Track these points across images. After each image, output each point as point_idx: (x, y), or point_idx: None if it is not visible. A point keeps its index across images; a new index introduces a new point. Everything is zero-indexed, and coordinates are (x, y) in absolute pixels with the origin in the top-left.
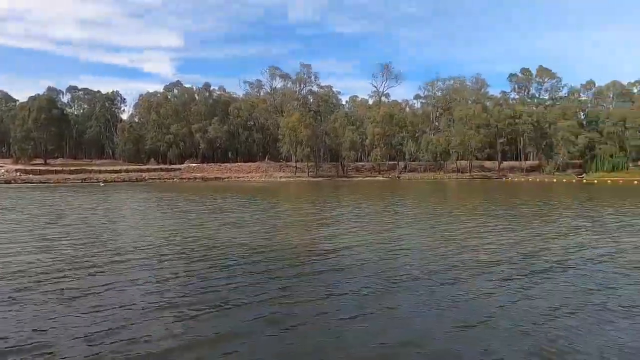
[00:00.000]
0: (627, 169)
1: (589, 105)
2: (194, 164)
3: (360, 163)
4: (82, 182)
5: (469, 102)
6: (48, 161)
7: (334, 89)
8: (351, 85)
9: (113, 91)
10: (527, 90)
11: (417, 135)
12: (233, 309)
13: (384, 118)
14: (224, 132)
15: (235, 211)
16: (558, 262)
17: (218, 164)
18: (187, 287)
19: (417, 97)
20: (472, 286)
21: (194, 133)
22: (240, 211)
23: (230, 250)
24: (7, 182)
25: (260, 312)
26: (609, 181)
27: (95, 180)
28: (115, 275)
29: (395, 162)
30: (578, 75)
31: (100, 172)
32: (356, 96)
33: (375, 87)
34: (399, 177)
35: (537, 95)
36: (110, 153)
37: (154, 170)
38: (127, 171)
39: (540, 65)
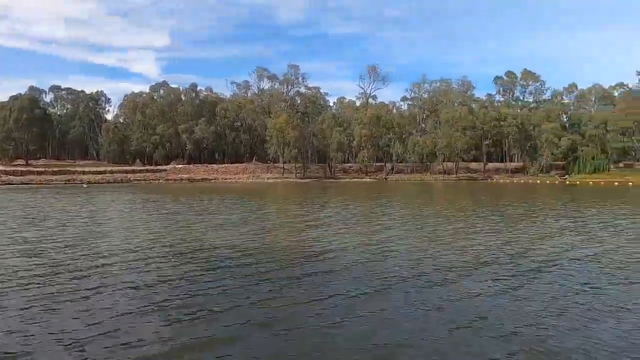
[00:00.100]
0: (609, 171)
1: (572, 108)
2: (180, 165)
3: (347, 164)
4: (65, 183)
5: (455, 104)
6: (30, 162)
7: (321, 91)
8: (339, 87)
9: (97, 91)
10: (512, 93)
11: (404, 136)
12: (223, 312)
13: (371, 120)
14: (210, 132)
15: (222, 213)
16: (545, 263)
17: (205, 165)
18: (175, 290)
19: (404, 99)
20: (461, 287)
21: (181, 134)
22: (228, 213)
23: (219, 253)
24: None
25: (250, 315)
26: (590, 182)
27: (79, 182)
28: (101, 279)
29: (383, 164)
30: (561, 79)
31: (84, 173)
32: (344, 98)
33: (362, 88)
34: (386, 179)
35: (521, 98)
36: (95, 154)
37: (140, 171)
38: (111, 172)
39: (525, 69)
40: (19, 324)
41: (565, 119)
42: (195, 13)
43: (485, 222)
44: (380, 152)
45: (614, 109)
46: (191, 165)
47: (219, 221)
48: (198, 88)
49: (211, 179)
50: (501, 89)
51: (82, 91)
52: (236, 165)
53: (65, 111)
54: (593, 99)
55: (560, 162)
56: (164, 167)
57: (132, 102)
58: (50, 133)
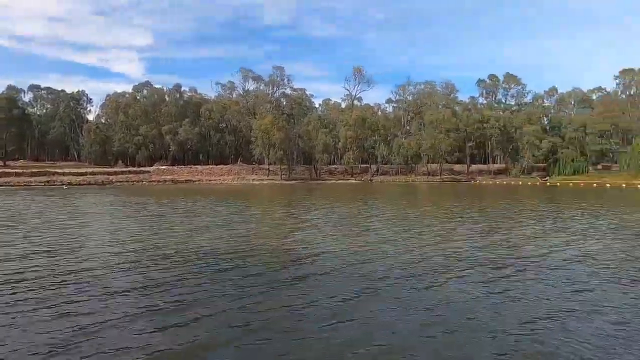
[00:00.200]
0: (587, 173)
1: (552, 111)
2: (163, 167)
3: (333, 166)
4: (44, 184)
5: (439, 106)
6: (7, 163)
7: (307, 92)
8: (324, 89)
9: (78, 90)
10: (494, 96)
11: (388, 138)
12: (210, 317)
13: (357, 121)
14: (195, 134)
15: (207, 215)
16: (532, 263)
17: (189, 166)
18: (161, 295)
19: (389, 101)
20: (452, 288)
21: (164, 135)
22: (213, 215)
23: (204, 256)
24: None
25: (238, 319)
26: (570, 184)
27: (59, 183)
28: (83, 284)
29: (368, 165)
30: (542, 82)
31: (64, 174)
32: (329, 99)
33: (348, 90)
34: (371, 180)
35: (503, 101)
36: (76, 155)
37: (122, 172)
38: (93, 174)
39: (507, 72)
40: None
41: (546, 122)
42: (178, 13)
43: (471, 224)
44: (366, 153)
45: (592, 112)
46: (175, 167)
47: (204, 223)
48: (182, 89)
49: (195, 181)
50: (484, 91)
51: (63, 91)
52: (221, 166)
53: (45, 111)
54: (572, 103)
55: (541, 164)
56: (147, 168)
57: (114, 102)
58: (30, 133)
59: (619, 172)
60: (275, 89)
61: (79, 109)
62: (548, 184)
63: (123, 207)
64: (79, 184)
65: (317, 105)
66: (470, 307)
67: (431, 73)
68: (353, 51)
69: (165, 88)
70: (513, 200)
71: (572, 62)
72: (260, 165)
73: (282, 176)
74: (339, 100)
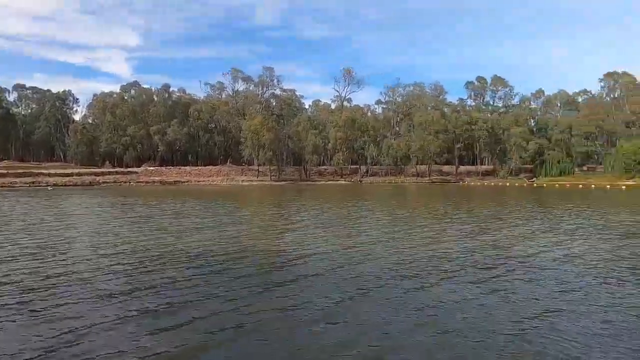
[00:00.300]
0: (573, 174)
1: (539, 113)
2: (152, 167)
3: (323, 167)
4: (29, 186)
5: (428, 108)
6: None
7: (297, 93)
8: (314, 90)
9: (64, 90)
10: (482, 98)
11: (378, 139)
12: (200, 319)
13: (346, 122)
14: (183, 134)
15: (197, 216)
16: (522, 264)
17: (177, 167)
18: (151, 297)
19: (378, 102)
20: (442, 290)
21: (152, 135)
22: (203, 216)
23: (194, 258)
24: None
25: (229, 322)
26: (557, 185)
27: (45, 184)
28: (71, 287)
29: (357, 166)
30: (529, 85)
31: (50, 175)
32: (319, 100)
33: (337, 91)
34: (361, 181)
35: (491, 103)
36: (61, 155)
37: (109, 173)
38: (79, 174)
39: (495, 75)
40: None
41: (532, 124)
42: (168, 13)
43: (460, 225)
44: (355, 154)
45: (578, 115)
46: (163, 168)
47: (193, 225)
48: (171, 89)
49: (184, 182)
50: (472, 93)
51: (49, 90)
52: (210, 167)
53: (30, 111)
54: (559, 105)
55: (528, 165)
56: (135, 169)
57: (101, 102)
58: (14, 133)
59: (604, 173)
60: (265, 89)
61: (65, 109)
62: (535, 185)
63: (111, 208)
64: (65, 185)
65: (306, 106)
66: (460, 307)
67: (421, 74)
68: (344, 52)
69: (153, 88)
70: (501, 201)
71: (559, 65)
72: (250, 166)
73: (272, 177)
74: (329, 102)
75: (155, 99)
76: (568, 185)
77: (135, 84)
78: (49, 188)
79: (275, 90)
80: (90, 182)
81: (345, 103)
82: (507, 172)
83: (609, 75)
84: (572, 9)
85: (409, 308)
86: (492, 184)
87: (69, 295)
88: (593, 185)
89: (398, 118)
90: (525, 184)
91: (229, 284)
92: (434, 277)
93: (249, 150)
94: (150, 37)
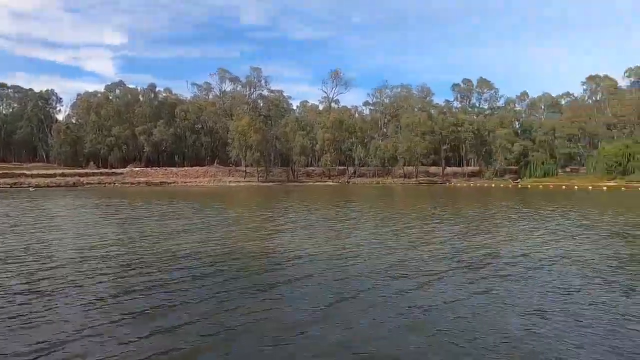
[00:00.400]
0: (557, 175)
1: (523, 115)
2: (137, 168)
3: (310, 168)
4: (10, 187)
5: (415, 109)
6: None
7: (284, 94)
8: (302, 91)
9: (47, 89)
10: (468, 100)
11: (366, 141)
12: (189, 323)
13: (334, 124)
14: (170, 135)
15: (184, 218)
16: (512, 264)
17: (164, 168)
18: (138, 301)
19: (366, 103)
20: (434, 291)
21: (138, 135)
22: (190, 218)
23: (182, 261)
24: None
25: (218, 326)
26: (540, 186)
27: (26, 185)
28: (55, 291)
29: (345, 167)
30: (514, 87)
31: (32, 176)
32: (307, 101)
33: (325, 93)
34: (348, 182)
35: (477, 105)
36: (44, 156)
37: (94, 174)
38: (63, 175)
39: (481, 77)
40: None
41: (517, 126)
42: (154, 12)
43: (448, 226)
44: (343, 155)
45: (561, 117)
46: (149, 169)
47: (180, 227)
48: (157, 89)
49: (170, 183)
50: (458, 95)
51: (31, 89)
52: (197, 168)
53: (11, 110)
54: (542, 107)
55: (513, 167)
56: (120, 170)
57: (85, 102)
58: None
59: (586, 174)
60: (252, 90)
61: (47, 109)
62: (519, 186)
63: (96, 210)
64: (48, 186)
65: (294, 107)
66: (451, 308)
67: (408, 76)
68: (331, 53)
69: (139, 88)
70: (487, 202)
71: (543, 68)
72: (237, 167)
73: (259, 178)
74: (317, 103)
75: (141, 99)
76: (552, 186)
77: (121, 83)
78: (31, 189)
79: (262, 90)
80: (74, 183)
81: (333, 104)
82: (492, 173)
83: (590, 78)
84: (556, 14)
85: (398, 310)
86: (478, 184)
87: (55, 299)
88: (576, 187)
89: (385, 119)
90: (510, 185)
91: (219, 286)
92: (423, 278)
93: (236, 151)
94: (136, 36)
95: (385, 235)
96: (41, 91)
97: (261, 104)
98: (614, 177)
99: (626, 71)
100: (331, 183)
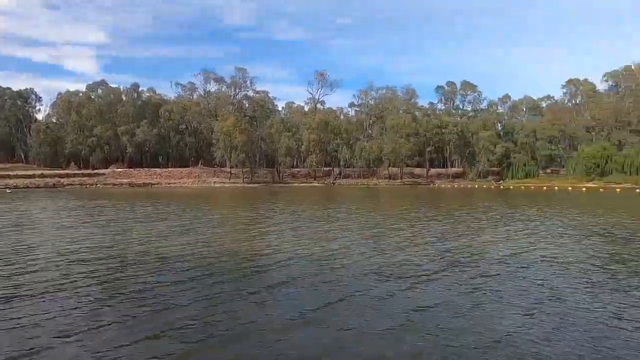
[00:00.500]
0: (538, 176)
1: (506, 117)
2: (120, 169)
3: (296, 169)
4: None
5: (400, 111)
6: None
7: (270, 95)
8: (287, 92)
9: (26, 88)
10: (452, 102)
11: (351, 142)
12: (177, 328)
13: (320, 125)
14: (153, 135)
15: (168, 220)
16: (500, 266)
17: (147, 169)
18: (124, 306)
19: (351, 105)
20: (424, 294)
21: (121, 136)
22: (174, 220)
23: (166, 264)
24: None
25: (207, 329)
26: (522, 187)
27: (3, 186)
28: (39, 296)
29: (331, 168)
30: (496, 90)
31: (9, 177)
32: (292, 102)
33: (311, 94)
34: (333, 183)
35: (461, 107)
36: (22, 156)
37: (75, 175)
38: (42, 176)
39: (464, 80)
40: None
41: (500, 128)
42: (137, 11)
43: (435, 227)
44: (328, 157)
45: (542, 119)
46: (132, 169)
47: (164, 229)
48: (140, 88)
49: (154, 184)
50: (442, 97)
51: (8, 88)
52: (181, 169)
53: None
54: (524, 110)
55: (495, 168)
56: (102, 171)
57: (66, 102)
58: None
59: (566, 176)
60: (237, 90)
61: (27, 108)
62: (502, 187)
63: (77, 212)
64: (27, 187)
65: (280, 108)
66: (439, 310)
67: (393, 78)
68: (317, 54)
69: (122, 87)
70: (471, 203)
71: (524, 72)
72: (222, 168)
73: (245, 179)
74: (302, 104)
75: (124, 98)
76: (533, 187)
77: (103, 82)
78: (8, 190)
79: (248, 91)
80: (54, 185)
81: (318, 105)
82: (475, 174)
83: (570, 82)
84: (538, 18)
85: (387, 312)
86: (462, 186)
87: (39, 303)
88: (556, 188)
89: (371, 121)
90: (492, 186)
91: (206, 290)
92: (413, 279)
93: (221, 151)
94: (118, 35)
95: (373, 237)
96: (20, 90)
97: (246, 105)
98: (592, 179)
99: (604, 75)
100: (317, 184)
